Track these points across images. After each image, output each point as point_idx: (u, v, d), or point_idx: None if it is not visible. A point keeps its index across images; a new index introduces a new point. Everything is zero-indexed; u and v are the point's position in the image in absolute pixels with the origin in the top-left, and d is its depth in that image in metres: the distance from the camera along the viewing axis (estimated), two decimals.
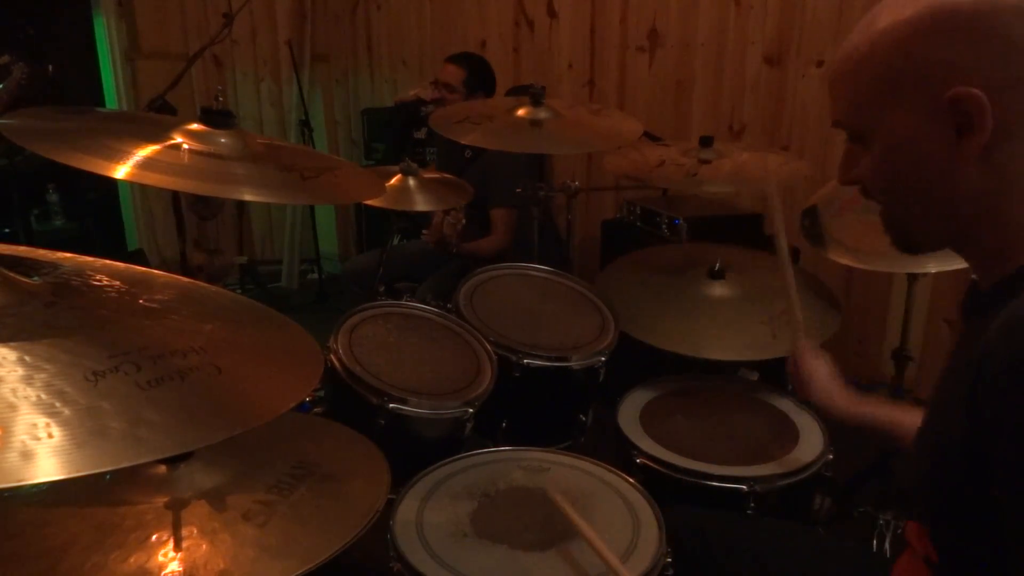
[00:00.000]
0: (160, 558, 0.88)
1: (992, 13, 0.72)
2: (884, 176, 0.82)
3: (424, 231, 2.65)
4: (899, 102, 0.77)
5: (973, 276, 0.87)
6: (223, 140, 1.42)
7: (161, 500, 0.95)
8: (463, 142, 2.09)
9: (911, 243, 0.87)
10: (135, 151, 1.30)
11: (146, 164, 1.29)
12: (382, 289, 2.41)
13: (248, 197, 1.42)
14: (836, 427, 1.63)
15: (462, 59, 3.03)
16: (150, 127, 1.42)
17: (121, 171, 1.25)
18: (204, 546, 0.91)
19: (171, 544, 0.90)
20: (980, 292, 0.83)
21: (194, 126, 1.43)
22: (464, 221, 2.43)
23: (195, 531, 0.92)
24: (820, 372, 1.37)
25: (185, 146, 1.37)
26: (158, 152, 1.33)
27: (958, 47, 0.73)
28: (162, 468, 0.97)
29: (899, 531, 1.39)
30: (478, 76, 2.97)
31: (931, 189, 0.79)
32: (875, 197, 0.85)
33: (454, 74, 2.96)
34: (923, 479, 0.83)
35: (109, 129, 1.40)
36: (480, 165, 2.81)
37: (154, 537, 0.91)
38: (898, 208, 0.84)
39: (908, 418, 1.14)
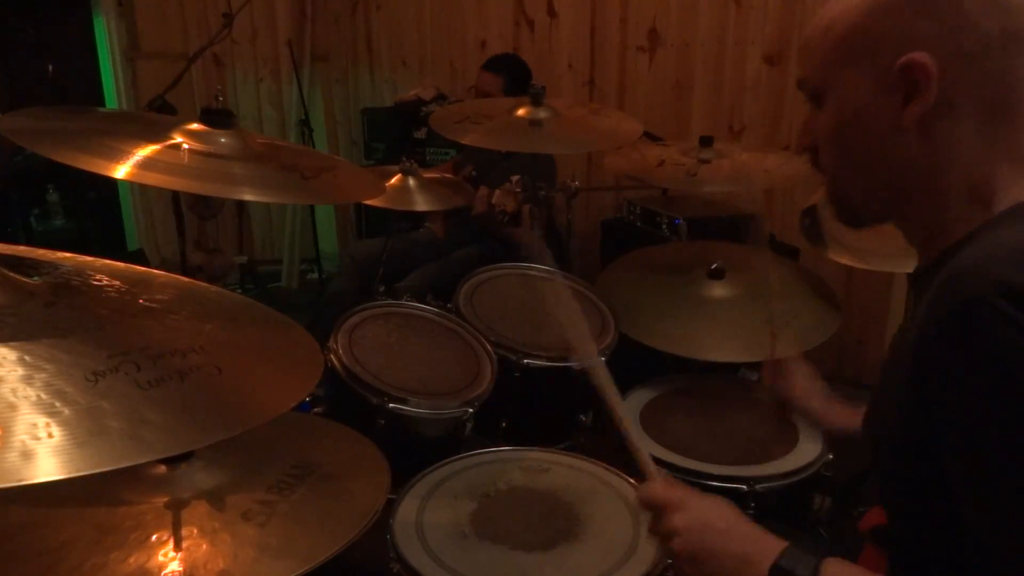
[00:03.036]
0: (160, 558, 0.88)
1: None
2: (832, 139, 0.84)
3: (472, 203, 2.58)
4: (856, 63, 0.79)
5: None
6: (223, 140, 1.42)
7: (161, 500, 0.95)
8: (463, 142, 2.09)
9: (852, 215, 0.88)
10: (135, 151, 1.30)
11: (146, 164, 1.29)
12: (382, 289, 2.41)
13: (248, 197, 1.42)
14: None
15: (499, 66, 3.01)
16: (150, 127, 1.42)
17: (121, 171, 1.25)
18: (204, 546, 0.91)
19: (171, 544, 0.90)
20: (920, 270, 0.84)
21: (194, 126, 1.43)
22: (521, 192, 2.38)
23: (195, 531, 0.92)
24: (800, 372, 1.33)
25: (185, 146, 1.37)
26: (158, 152, 1.33)
27: (917, 17, 0.75)
28: (162, 468, 0.97)
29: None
30: (517, 82, 2.92)
31: (872, 156, 0.81)
32: (823, 165, 0.87)
33: (493, 83, 2.93)
34: (873, 453, 0.84)
35: (109, 129, 1.40)
36: (518, 160, 2.78)
37: (154, 537, 0.91)
38: (841, 175, 0.86)
39: None
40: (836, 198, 0.88)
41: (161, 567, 0.87)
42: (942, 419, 0.68)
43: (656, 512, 0.92)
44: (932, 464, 0.70)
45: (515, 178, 2.37)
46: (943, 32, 0.74)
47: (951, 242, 0.78)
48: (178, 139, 1.38)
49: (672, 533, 0.88)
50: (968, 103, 0.75)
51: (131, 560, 0.88)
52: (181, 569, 0.88)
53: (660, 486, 0.94)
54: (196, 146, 1.38)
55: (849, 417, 1.26)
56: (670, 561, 1.16)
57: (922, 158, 0.78)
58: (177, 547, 0.90)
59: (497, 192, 2.45)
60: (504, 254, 2.47)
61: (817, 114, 0.85)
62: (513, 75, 2.97)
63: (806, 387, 1.31)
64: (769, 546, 0.82)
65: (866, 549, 0.92)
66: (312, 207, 4.32)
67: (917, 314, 0.73)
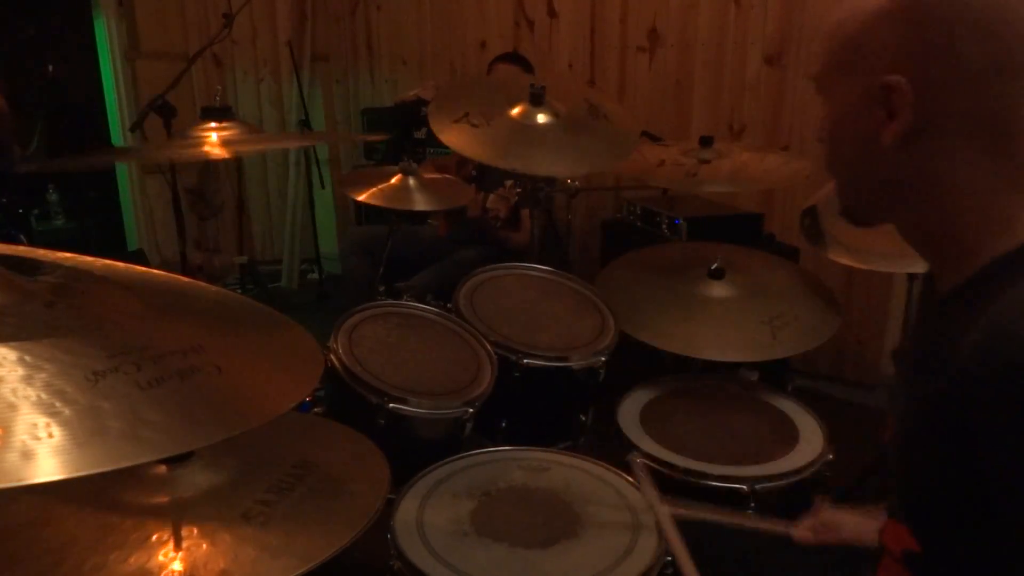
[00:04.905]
0: (160, 558, 0.88)
1: (948, 17, 0.73)
2: (829, 139, 0.86)
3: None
4: (850, 72, 0.80)
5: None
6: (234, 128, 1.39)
7: (161, 500, 0.95)
8: (452, 146, 2.07)
9: (850, 212, 0.90)
10: None
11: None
12: (382, 289, 2.41)
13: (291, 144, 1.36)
14: (836, 427, 1.64)
15: (516, 58, 3.00)
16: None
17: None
18: (204, 546, 0.91)
19: (171, 544, 0.90)
20: (938, 292, 0.83)
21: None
22: (517, 197, 2.37)
23: (195, 531, 0.92)
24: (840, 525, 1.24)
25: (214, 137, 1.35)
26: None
27: (907, 37, 0.76)
28: (162, 468, 0.97)
29: None
30: (532, 74, 2.94)
31: (856, 163, 0.83)
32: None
33: (519, 75, 2.89)
34: (900, 484, 0.83)
35: None
36: None
37: (154, 537, 0.91)
38: (835, 173, 0.87)
39: None
40: (838, 193, 0.90)
41: (161, 567, 0.87)
42: (1000, 468, 0.67)
43: None
44: (978, 506, 0.70)
45: (508, 183, 2.37)
46: (929, 56, 0.74)
47: (971, 271, 0.76)
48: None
49: None
50: (959, 129, 0.75)
51: (131, 560, 0.88)
52: (181, 569, 0.88)
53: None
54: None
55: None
56: (669, 559, 1.16)
57: (912, 177, 0.79)
58: (177, 547, 0.90)
59: (491, 197, 2.45)
60: (500, 256, 2.48)
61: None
62: (528, 69, 2.97)
63: (849, 526, 1.25)
64: None
65: (884, 559, 0.91)
66: (312, 207, 4.33)
67: (951, 339, 0.72)
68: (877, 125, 0.78)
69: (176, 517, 0.92)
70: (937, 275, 0.84)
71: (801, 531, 1.24)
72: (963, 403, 0.69)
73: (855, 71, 0.80)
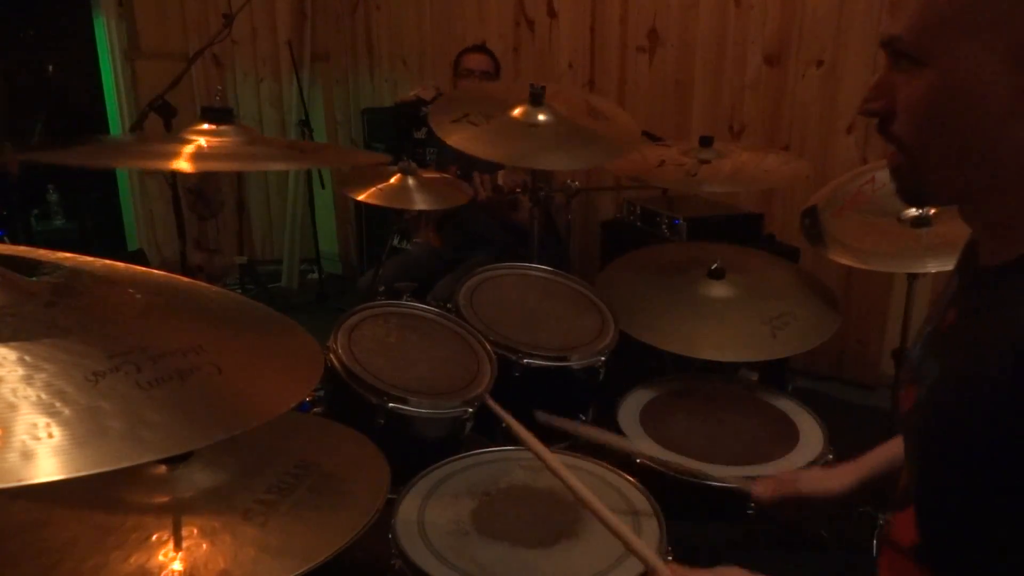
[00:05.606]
0: (160, 558, 0.88)
1: None
2: (929, 111, 0.73)
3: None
4: (976, 32, 0.69)
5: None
6: (230, 135, 1.60)
7: (161, 500, 0.95)
8: (453, 144, 2.07)
9: (922, 193, 0.80)
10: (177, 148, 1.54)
11: (199, 155, 1.54)
12: (382, 289, 2.41)
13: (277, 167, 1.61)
14: (836, 427, 1.64)
15: (484, 48, 3.13)
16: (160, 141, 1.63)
17: (183, 163, 1.50)
18: (204, 546, 0.91)
19: (171, 544, 0.90)
20: (986, 265, 0.78)
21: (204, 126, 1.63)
22: (525, 176, 2.35)
23: (195, 531, 0.92)
24: (798, 478, 1.28)
25: (202, 141, 1.58)
26: (185, 147, 1.55)
27: None
28: (162, 468, 0.97)
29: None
30: (498, 67, 3.07)
31: (974, 137, 0.72)
32: (897, 134, 0.77)
33: (488, 62, 3.02)
34: (916, 457, 0.79)
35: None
36: None
37: (154, 537, 0.91)
38: (924, 150, 0.75)
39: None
40: (906, 171, 0.78)
41: (161, 567, 0.87)
42: None
43: None
44: (998, 485, 0.67)
45: (515, 169, 2.35)
46: None
47: None
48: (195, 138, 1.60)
49: None
50: None
51: (131, 560, 0.88)
52: (181, 569, 0.88)
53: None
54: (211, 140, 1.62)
55: (860, 469, 1.23)
56: (670, 559, 1.16)
57: (1015, 152, 0.70)
58: (177, 547, 0.90)
59: (501, 173, 2.41)
60: (516, 243, 2.45)
61: (902, 77, 0.74)
62: (495, 58, 3.07)
63: (806, 478, 1.26)
64: None
65: (884, 553, 0.89)
66: (312, 207, 4.33)
67: (1003, 313, 0.68)
68: (1014, 91, 0.68)
69: (176, 517, 0.92)
70: (984, 246, 0.78)
71: (760, 488, 1.25)
72: (1020, 379, 0.65)
73: (990, 32, 0.68)
